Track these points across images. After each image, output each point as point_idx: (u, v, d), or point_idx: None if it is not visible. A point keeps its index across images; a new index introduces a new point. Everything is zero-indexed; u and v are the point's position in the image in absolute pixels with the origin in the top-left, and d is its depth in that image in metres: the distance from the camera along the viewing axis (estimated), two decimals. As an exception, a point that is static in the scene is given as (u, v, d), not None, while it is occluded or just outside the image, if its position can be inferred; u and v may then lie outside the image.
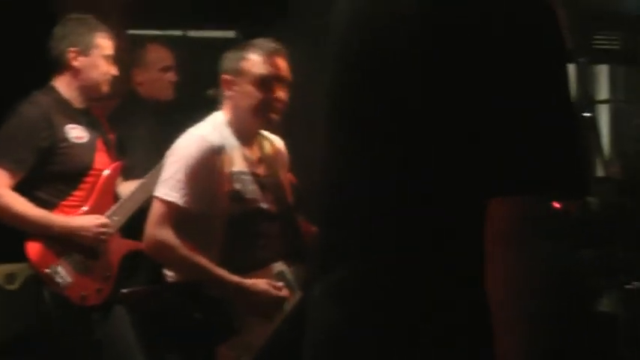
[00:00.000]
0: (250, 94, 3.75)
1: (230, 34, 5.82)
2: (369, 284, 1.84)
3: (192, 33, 5.86)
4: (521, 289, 1.65)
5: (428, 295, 1.77)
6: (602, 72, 10.01)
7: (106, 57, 4.61)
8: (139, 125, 5.12)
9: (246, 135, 3.84)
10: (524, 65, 1.68)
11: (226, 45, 6.12)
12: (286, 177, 4.07)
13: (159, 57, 5.32)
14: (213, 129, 3.78)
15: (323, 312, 1.93)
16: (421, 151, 1.76)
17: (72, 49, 4.57)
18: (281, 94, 3.81)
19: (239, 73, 3.79)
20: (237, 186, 3.71)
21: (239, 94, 3.78)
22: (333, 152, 2.00)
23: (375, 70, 1.85)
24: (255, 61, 3.76)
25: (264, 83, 3.76)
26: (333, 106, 2.01)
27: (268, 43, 3.82)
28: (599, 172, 8.82)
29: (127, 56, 5.13)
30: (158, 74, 5.32)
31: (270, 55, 3.77)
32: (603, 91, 10.07)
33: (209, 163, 3.66)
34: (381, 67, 1.84)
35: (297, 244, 3.90)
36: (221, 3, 5.40)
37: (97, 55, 4.58)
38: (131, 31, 5.76)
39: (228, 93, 3.81)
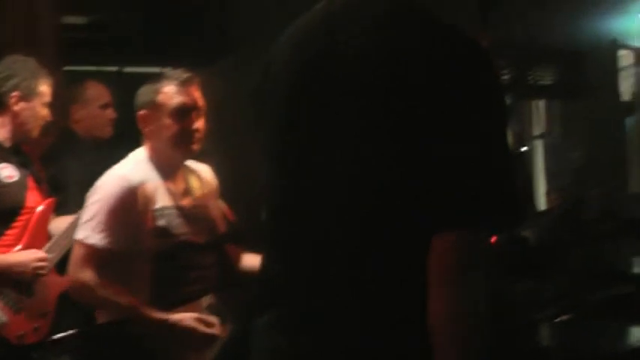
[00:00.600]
0: (168, 126, 3.68)
1: (166, 69, 5.82)
2: (315, 317, 1.90)
3: (128, 69, 5.88)
4: (462, 322, 1.70)
5: (373, 329, 1.83)
6: (539, 106, 10.21)
7: (45, 104, 4.61)
8: (74, 162, 5.10)
9: (168, 169, 3.78)
10: (460, 107, 1.72)
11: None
12: (216, 206, 4.04)
13: (97, 94, 5.31)
14: (134, 166, 3.72)
15: (269, 342, 1.96)
16: (364, 190, 1.81)
17: (14, 93, 4.54)
18: (199, 123, 3.75)
19: (155, 106, 3.70)
20: (162, 222, 3.64)
21: (157, 128, 3.71)
22: (276, 191, 2.04)
23: (314, 110, 1.89)
24: (169, 92, 3.69)
25: (181, 114, 3.69)
26: (274, 142, 2.04)
27: (181, 73, 3.75)
28: (537, 205, 9.01)
29: (63, 93, 5.11)
30: (97, 111, 5.31)
31: (184, 85, 3.71)
32: (540, 125, 10.27)
33: (130, 203, 3.60)
34: (318, 106, 1.89)
35: (229, 274, 3.89)
36: (158, 39, 5.44)
37: (37, 102, 4.56)
38: (67, 67, 5.75)
39: (146, 129, 3.74)
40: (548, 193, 8.67)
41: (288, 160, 1.98)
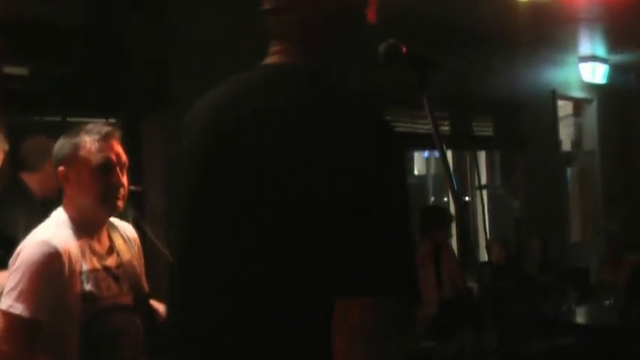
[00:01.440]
0: (92, 183, 3.51)
1: (111, 120, 5.93)
2: None
3: (72, 118, 5.90)
4: None
5: None
6: (480, 157, 10.35)
7: None
8: (22, 215, 5.08)
9: (92, 228, 3.60)
10: (361, 191, 1.79)
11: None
12: (141, 264, 3.91)
13: (45, 150, 5.29)
14: (56, 229, 3.49)
15: None
16: (266, 262, 1.89)
17: None
18: (123, 179, 3.59)
19: (76, 162, 3.51)
20: (88, 286, 3.47)
21: (79, 185, 3.53)
22: (179, 255, 2.15)
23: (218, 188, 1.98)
24: (91, 147, 3.50)
25: (105, 170, 3.51)
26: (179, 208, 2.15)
27: (101, 127, 3.59)
28: (480, 256, 9.15)
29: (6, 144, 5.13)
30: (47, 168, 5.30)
31: (105, 140, 3.53)
32: (482, 176, 10.38)
33: (55, 269, 3.40)
34: (221, 182, 1.98)
35: (156, 335, 3.74)
36: (101, 91, 5.50)
37: None
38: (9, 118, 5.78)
39: (67, 186, 3.56)
40: (490, 244, 8.79)
41: (192, 228, 2.07)
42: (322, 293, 1.79)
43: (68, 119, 5.85)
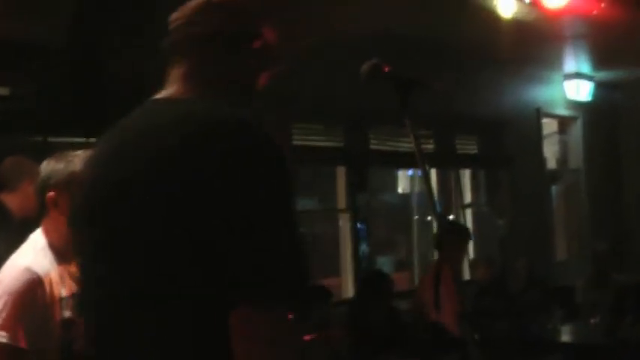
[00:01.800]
0: None
1: (92, 140, 5.91)
2: None
3: (54, 138, 5.91)
4: None
5: None
6: (465, 176, 10.39)
7: None
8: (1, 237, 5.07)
9: (71, 254, 3.30)
10: (237, 207, 1.93)
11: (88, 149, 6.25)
12: None
13: (28, 171, 5.28)
14: (36, 255, 3.45)
15: None
16: (158, 280, 2.02)
17: None
18: None
19: (69, 190, 3.41)
20: (67, 312, 3.45)
21: (65, 211, 3.41)
22: (82, 276, 2.29)
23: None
24: None
25: None
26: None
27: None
28: (465, 275, 9.17)
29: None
30: (28, 189, 5.29)
31: None
32: (467, 194, 10.42)
33: (37, 296, 3.39)
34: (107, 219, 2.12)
35: None
36: (82, 111, 5.51)
37: None
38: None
39: (55, 210, 3.50)
40: (475, 263, 8.82)
41: (91, 253, 2.21)
42: (209, 306, 1.96)
43: (49, 139, 5.86)
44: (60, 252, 3.50)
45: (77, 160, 3.46)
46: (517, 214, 10.29)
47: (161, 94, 2.22)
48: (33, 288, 3.37)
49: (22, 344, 3.33)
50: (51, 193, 3.49)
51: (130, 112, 2.22)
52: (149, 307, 2.03)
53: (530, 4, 6.31)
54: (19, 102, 5.67)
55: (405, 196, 11.18)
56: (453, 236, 7.24)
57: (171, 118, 2.09)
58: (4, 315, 3.33)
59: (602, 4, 6.59)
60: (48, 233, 3.54)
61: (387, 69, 2.50)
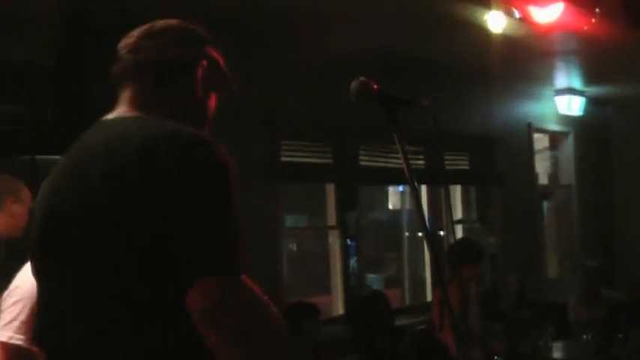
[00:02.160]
0: None
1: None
2: None
3: (40, 157, 5.91)
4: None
5: None
6: (456, 192, 10.41)
7: None
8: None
9: None
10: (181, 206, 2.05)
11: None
12: None
13: (12, 190, 5.29)
14: None
15: None
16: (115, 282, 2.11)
17: None
18: None
19: None
20: None
21: None
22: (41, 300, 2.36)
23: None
24: None
25: None
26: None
27: None
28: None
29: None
30: (12, 209, 5.29)
31: None
32: (457, 211, 10.43)
33: None
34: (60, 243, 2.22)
35: None
36: (69, 130, 5.49)
37: None
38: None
39: None
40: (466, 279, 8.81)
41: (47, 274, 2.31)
42: (168, 293, 2.06)
43: (37, 158, 5.86)
44: None
45: None
46: (508, 231, 10.31)
47: (110, 116, 2.35)
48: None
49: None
50: None
51: (82, 135, 2.36)
52: (115, 322, 2.10)
53: (520, 19, 6.34)
54: (5, 121, 5.67)
55: (396, 213, 11.19)
56: (464, 254, 7.17)
57: (117, 134, 2.19)
58: (21, 318, 3.49)
59: (593, 20, 6.63)
60: None
61: (375, 87, 2.53)
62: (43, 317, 2.34)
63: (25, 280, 3.54)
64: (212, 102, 2.43)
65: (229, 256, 2.05)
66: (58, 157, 5.47)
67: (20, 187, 5.31)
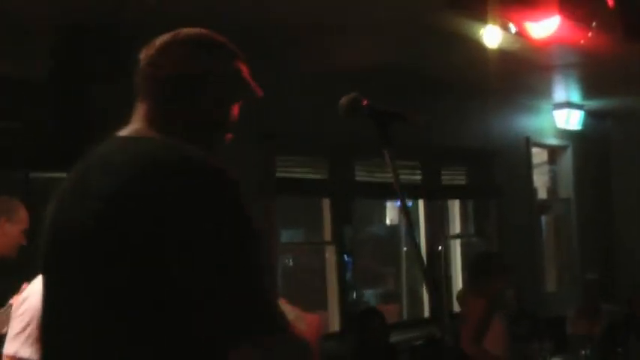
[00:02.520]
0: None
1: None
2: None
3: (35, 174, 5.92)
4: None
5: None
6: (454, 206, 10.39)
7: None
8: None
9: None
10: (200, 248, 1.99)
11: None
12: None
13: (8, 210, 5.29)
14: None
15: None
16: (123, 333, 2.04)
17: None
18: None
19: None
20: None
21: None
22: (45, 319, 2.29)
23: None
24: None
25: None
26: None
27: None
28: (454, 307, 9.14)
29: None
30: (7, 229, 5.31)
31: None
32: (455, 225, 10.41)
33: None
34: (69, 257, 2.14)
35: None
36: (65, 146, 5.49)
37: None
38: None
39: None
40: (464, 294, 8.79)
41: (54, 292, 2.24)
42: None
43: (31, 175, 5.87)
44: None
45: None
46: (506, 245, 10.29)
47: (124, 132, 2.26)
48: None
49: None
50: None
51: (94, 148, 2.28)
52: (110, 332, 2.04)
53: (517, 34, 6.35)
54: (1, 137, 5.67)
55: (394, 228, 11.18)
56: (494, 267, 7.06)
57: (129, 156, 2.13)
58: (29, 332, 3.52)
59: (590, 34, 6.63)
60: None
61: (365, 102, 2.53)
62: (43, 331, 2.30)
63: (34, 292, 3.57)
64: (235, 111, 2.35)
65: (270, 310, 2.04)
66: (52, 174, 5.47)
67: (16, 207, 5.31)
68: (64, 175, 5.65)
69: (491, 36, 6.58)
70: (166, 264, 1.96)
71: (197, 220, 1.98)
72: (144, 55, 2.29)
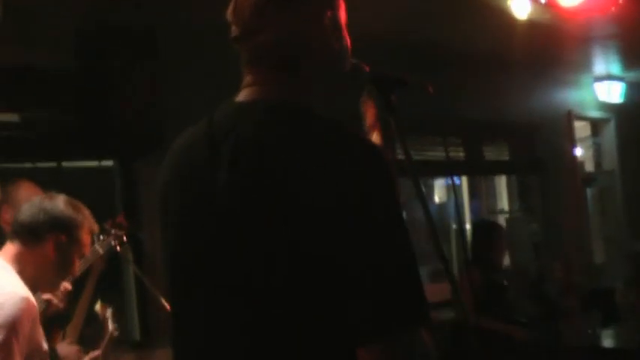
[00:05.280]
0: (67, 262, 3.50)
1: (108, 163, 5.74)
2: None
3: (67, 163, 5.73)
4: None
5: None
6: (499, 182, 10.16)
7: None
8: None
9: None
10: (349, 225, 1.66)
11: (103, 174, 6.07)
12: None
13: (29, 195, 5.09)
14: (20, 283, 3.30)
15: None
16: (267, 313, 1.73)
17: None
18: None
19: (75, 242, 3.51)
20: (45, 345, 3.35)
21: (58, 258, 3.45)
22: (177, 314, 1.95)
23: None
24: (87, 237, 3.54)
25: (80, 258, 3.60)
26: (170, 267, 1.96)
27: (92, 219, 3.58)
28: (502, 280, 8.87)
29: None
30: None
31: (89, 233, 3.57)
32: (501, 200, 10.20)
33: (36, 327, 3.26)
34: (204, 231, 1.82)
35: None
36: (94, 134, 5.32)
37: None
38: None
39: (55, 254, 3.45)
40: (512, 268, 8.58)
41: (186, 285, 1.89)
42: (333, 340, 1.70)
43: (63, 164, 5.69)
44: (35, 284, 3.38)
45: (83, 219, 3.50)
46: (552, 219, 9.96)
47: (244, 93, 1.92)
48: (32, 319, 3.20)
49: None
50: (59, 234, 3.40)
51: (219, 114, 1.92)
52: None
53: (546, 4, 5.96)
54: (30, 128, 5.48)
55: (442, 206, 10.92)
56: (482, 236, 6.97)
57: (268, 129, 1.79)
58: (6, 348, 3.09)
59: (620, 1, 6.23)
60: (24, 265, 3.37)
61: (367, 69, 2.20)
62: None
63: (9, 304, 3.16)
64: (347, 43, 2.02)
65: (411, 307, 1.70)
66: (82, 162, 5.26)
67: (40, 193, 5.07)
68: (94, 163, 5.46)
69: (521, 6, 6.21)
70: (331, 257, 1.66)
71: (369, 209, 1.68)
72: (235, 20, 1.94)
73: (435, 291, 7.80)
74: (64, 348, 4.37)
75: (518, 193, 10.23)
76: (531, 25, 6.69)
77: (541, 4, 5.98)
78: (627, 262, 9.00)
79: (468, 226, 9.45)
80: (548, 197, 10.05)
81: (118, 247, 4.66)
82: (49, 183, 5.25)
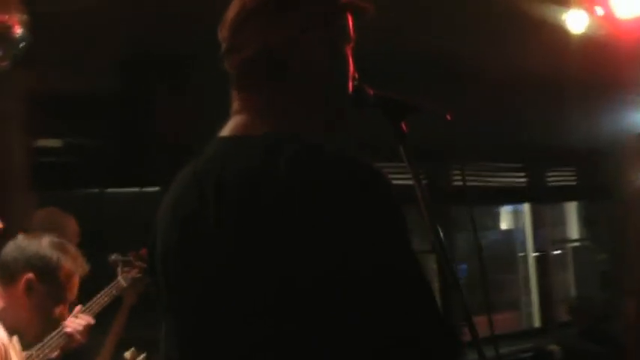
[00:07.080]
0: (49, 306, 3.36)
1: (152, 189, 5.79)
2: None
3: (110, 189, 5.80)
4: None
5: None
6: (571, 210, 10.00)
7: None
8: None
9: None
10: (355, 269, 1.59)
11: (146, 201, 6.10)
12: None
13: (44, 223, 5.09)
14: None
15: None
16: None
17: None
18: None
19: (48, 275, 3.34)
20: None
21: (38, 301, 3.30)
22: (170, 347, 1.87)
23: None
24: (71, 269, 3.39)
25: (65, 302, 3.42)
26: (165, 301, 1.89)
27: (80, 258, 3.45)
28: (562, 316, 8.73)
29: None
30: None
31: (77, 275, 3.44)
32: (569, 229, 10.05)
33: None
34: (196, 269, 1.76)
35: None
36: (136, 160, 5.38)
37: None
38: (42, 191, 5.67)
39: (30, 296, 3.28)
40: (575, 302, 8.38)
41: (178, 319, 1.83)
42: None
43: (107, 191, 5.76)
44: (17, 327, 3.25)
45: (66, 256, 3.37)
46: (621, 248, 9.74)
47: (235, 130, 1.85)
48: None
49: None
50: (30, 275, 3.28)
51: (206, 154, 1.86)
52: None
53: (603, 17, 5.80)
54: (73, 154, 5.56)
55: (509, 233, 10.80)
56: None
57: (254, 165, 1.71)
58: None
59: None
60: (4, 306, 3.27)
61: (371, 92, 2.11)
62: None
63: None
64: (349, 57, 1.89)
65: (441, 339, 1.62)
66: (125, 189, 5.30)
67: (67, 221, 5.09)
68: (136, 189, 5.50)
69: (577, 21, 6.04)
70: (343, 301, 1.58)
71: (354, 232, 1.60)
72: (222, 36, 1.89)
73: (503, 321, 7.76)
74: None
75: (584, 221, 10.05)
76: (589, 41, 6.56)
77: (598, 17, 5.83)
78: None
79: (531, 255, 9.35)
80: (618, 225, 9.85)
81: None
82: (91, 209, 5.33)
